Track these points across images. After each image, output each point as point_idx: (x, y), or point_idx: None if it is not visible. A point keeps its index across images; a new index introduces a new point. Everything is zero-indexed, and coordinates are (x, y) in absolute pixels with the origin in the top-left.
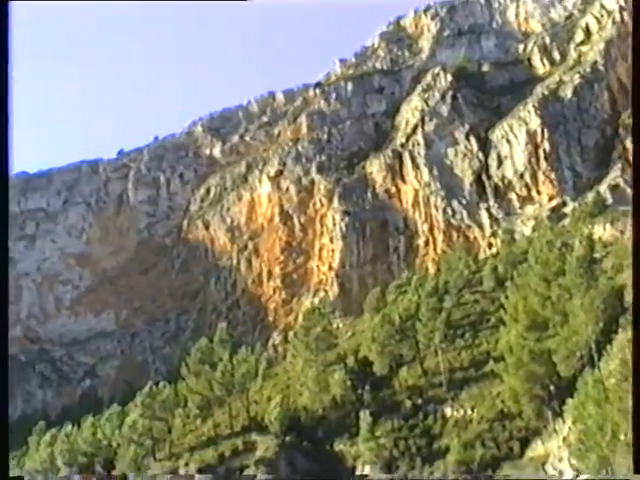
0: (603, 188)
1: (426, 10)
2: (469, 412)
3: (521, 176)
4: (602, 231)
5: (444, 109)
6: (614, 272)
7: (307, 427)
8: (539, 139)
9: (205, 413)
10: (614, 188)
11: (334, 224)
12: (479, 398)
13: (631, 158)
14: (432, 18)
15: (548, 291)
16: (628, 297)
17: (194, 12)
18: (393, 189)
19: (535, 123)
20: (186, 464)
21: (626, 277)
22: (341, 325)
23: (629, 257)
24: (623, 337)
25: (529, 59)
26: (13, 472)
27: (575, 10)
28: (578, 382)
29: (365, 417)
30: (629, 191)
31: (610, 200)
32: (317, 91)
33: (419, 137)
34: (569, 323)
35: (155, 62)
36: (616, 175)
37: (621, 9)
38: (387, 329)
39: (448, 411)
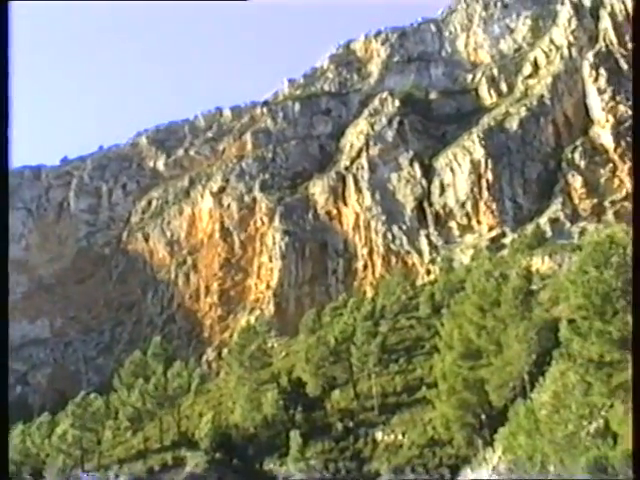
0: (543, 221)
1: (377, 35)
2: (400, 437)
3: (462, 205)
4: (540, 263)
5: (390, 134)
6: (550, 305)
7: (238, 445)
8: (482, 169)
9: (136, 426)
10: (554, 221)
11: (274, 243)
12: (410, 423)
13: (576, 187)
14: (382, 43)
15: (483, 320)
16: (563, 330)
17: (141, 23)
18: (334, 211)
19: (479, 153)
20: (116, 476)
21: (561, 310)
22: (276, 344)
23: (565, 290)
24: (555, 369)
25: (476, 89)
26: None
27: (524, 43)
28: (509, 412)
29: (296, 437)
30: (568, 225)
31: (549, 233)
32: (264, 109)
33: (363, 161)
34: (503, 353)
35: (103, 72)
36: (557, 209)
37: (570, 45)
38: (322, 351)
39: (379, 435)
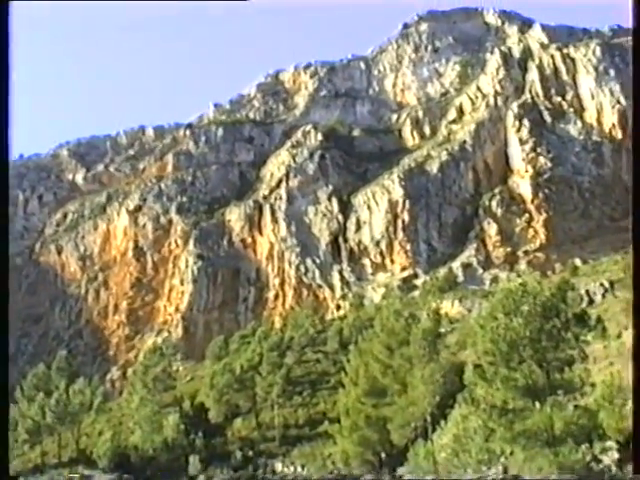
0: (456, 265)
1: (306, 67)
2: (299, 469)
3: (377, 243)
4: (450, 307)
5: (310, 167)
6: (457, 348)
7: (136, 466)
8: (400, 209)
9: (34, 439)
10: (467, 267)
11: (187, 266)
12: (310, 457)
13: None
14: (311, 76)
15: (390, 360)
16: (468, 374)
17: (76, 33)
18: (249, 239)
19: (398, 193)
20: None
21: (468, 354)
22: (181, 368)
23: (473, 335)
24: (458, 413)
25: (400, 130)
26: None
27: (452, 88)
28: (410, 452)
29: (195, 462)
30: (481, 271)
31: (461, 278)
32: (187, 132)
33: (282, 191)
34: (407, 393)
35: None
36: (470, 254)
37: (496, 93)
38: (227, 378)
39: (279, 466)
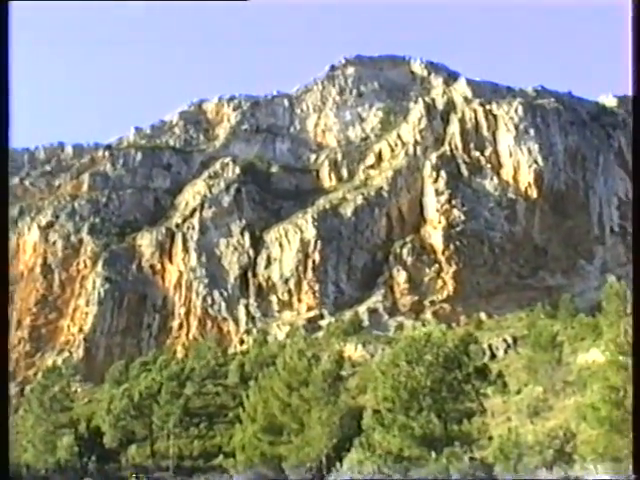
0: (362, 309)
1: (230, 100)
2: None
3: (286, 281)
4: (353, 350)
5: (226, 200)
6: (357, 392)
7: None
8: (311, 249)
9: None
10: (373, 312)
11: (94, 288)
12: None
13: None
14: (234, 109)
15: (290, 398)
16: (366, 419)
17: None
18: (159, 266)
19: (310, 233)
20: None
21: (368, 399)
22: (80, 390)
23: (374, 381)
24: (354, 457)
25: (318, 170)
26: None
27: (372, 134)
28: None
29: None
30: (386, 317)
31: (367, 322)
32: (106, 153)
33: (195, 221)
34: (304, 433)
35: None
36: (377, 300)
37: (416, 143)
38: (124, 403)
39: None
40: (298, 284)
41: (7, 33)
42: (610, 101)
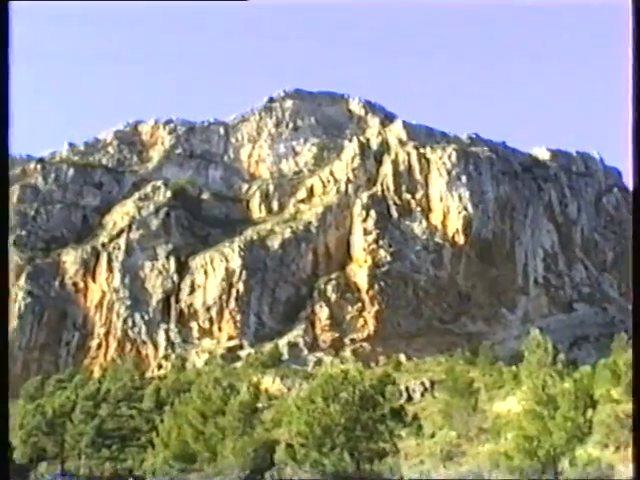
0: (282, 343)
1: (166, 123)
2: None
3: (208, 309)
4: (271, 383)
5: (154, 223)
6: (272, 425)
7: None
8: (235, 279)
9: None
10: (293, 346)
11: (15, 301)
12: None
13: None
14: (169, 132)
15: (204, 427)
16: (279, 453)
17: None
18: (82, 284)
19: (236, 263)
20: None
21: (282, 433)
22: None
23: (290, 415)
24: None
25: (248, 201)
26: None
27: (305, 168)
28: None
29: None
30: (306, 352)
31: (286, 356)
32: (38, 166)
33: (122, 242)
34: (217, 462)
35: None
36: (298, 334)
37: (348, 181)
38: (37, 420)
39: None
40: (220, 313)
41: (7, 33)
42: (543, 154)
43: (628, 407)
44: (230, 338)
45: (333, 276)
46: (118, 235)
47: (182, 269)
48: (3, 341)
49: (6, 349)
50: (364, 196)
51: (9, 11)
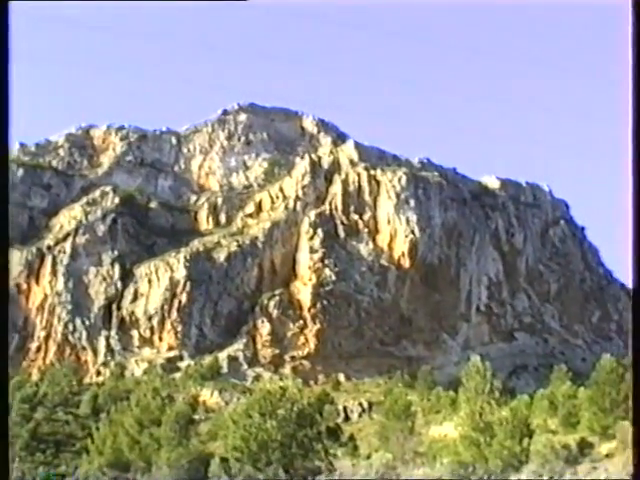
0: (222, 356)
1: (119, 129)
2: None
3: (150, 318)
4: (209, 396)
5: (101, 228)
6: (208, 438)
7: None
8: (179, 289)
9: None
10: (233, 360)
11: None
12: None
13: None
14: (121, 139)
15: (139, 436)
16: (214, 466)
17: None
18: (25, 286)
19: (180, 273)
20: None
21: (217, 446)
22: None
23: (226, 429)
24: None
25: (196, 212)
26: None
27: (255, 183)
28: None
29: None
30: (245, 367)
31: (225, 369)
32: None
33: (67, 246)
34: (151, 472)
35: None
36: (238, 348)
37: (297, 198)
38: None
39: None
40: (162, 322)
41: (7, 33)
42: (492, 182)
43: (564, 438)
44: (170, 348)
45: (277, 292)
46: (64, 239)
47: (126, 277)
48: (3, 341)
49: (6, 349)
50: (312, 214)
51: (9, 11)
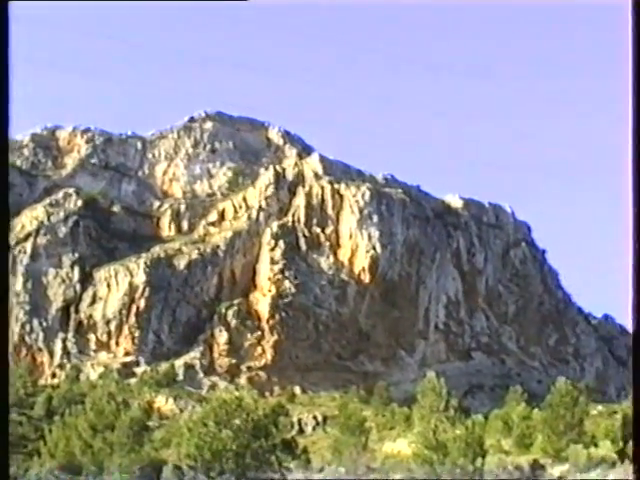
0: (179, 363)
1: (84, 131)
2: None
3: (108, 322)
4: (164, 403)
5: (62, 230)
6: (161, 445)
7: None
8: (138, 295)
9: None
10: (189, 367)
11: None
12: None
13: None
14: (87, 141)
15: (92, 440)
16: (167, 472)
17: None
18: None
19: (140, 279)
20: None
21: (171, 454)
22: None
23: (180, 436)
24: None
25: (159, 218)
26: None
27: (219, 192)
28: None
29: None
30: (201, 375)
31: (181, 377)
32: None
33: (28, 246)
34: (102, 478)
35: None
36: (195, 356)
37: (260, 209)
38: None
39: None
40: (119, 327)
41: (7, 33)
42: (456, 202)
43: (517, 459)
44: (127, 353)
45: (236, 302)
46: (25, 239)
47: (85, 279)
48: (3, 341)
49: (6, 349)
50: (274, 225)
51: (9, 11)
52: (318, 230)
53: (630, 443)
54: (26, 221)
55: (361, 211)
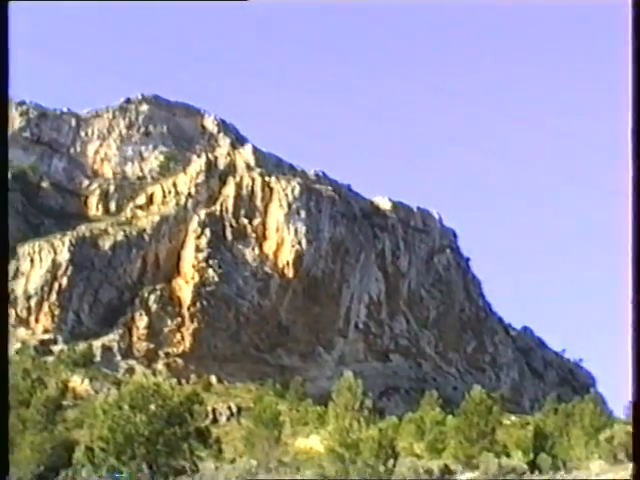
0: (97, 344)
1: (19, 104)
2: None
3: (28, 298)
4: (79, 383)
5: None
6: (74, 425)
7: None
8: (60, 273)
9: None
10: (107, 349)
11: None
12: None
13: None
14: (21, 114)
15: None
16: (78, 453)
17: None
18: None
19: (64, 257)
20: None
21: (83, 434)
22: None
23: (94, 418)
24: None
25: (87, 197)
26: None
27: (149, 175)
28: None
29: None
30: (119, 358)
31: (98, 358)
32: None
33: None
34: (12, 455)
35: None
36: (113, 338)
37: (189, 195)
38: None
39: None
40: (40, 304)
41: (7, 33)
42: (385, 203)
43: (428, 463)
44: (46, 331)
45: (158, 287)
46: None
47: (10, 255)
48: (3, 341)
49: (6, 349)
50: (202, 213)
51: (9, 11)
52: (245, 221)
53: (540, 455)
54: None
55: (290, 205)
